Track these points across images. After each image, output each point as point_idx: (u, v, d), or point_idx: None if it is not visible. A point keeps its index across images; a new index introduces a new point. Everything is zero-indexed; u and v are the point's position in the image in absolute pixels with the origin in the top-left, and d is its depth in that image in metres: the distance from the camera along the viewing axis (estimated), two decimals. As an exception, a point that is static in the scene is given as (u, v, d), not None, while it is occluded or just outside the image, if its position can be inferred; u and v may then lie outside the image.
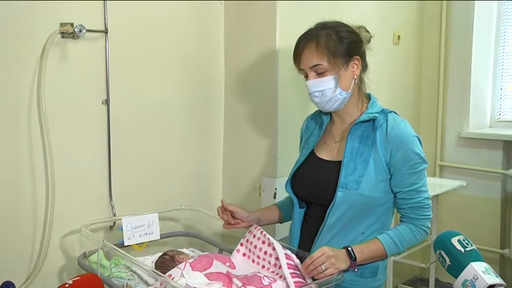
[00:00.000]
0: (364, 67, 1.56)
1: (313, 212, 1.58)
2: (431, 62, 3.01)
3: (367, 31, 1.57)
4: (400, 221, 1.53)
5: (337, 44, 1.48)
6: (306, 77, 1.52)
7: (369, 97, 1.58)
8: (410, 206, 1.49)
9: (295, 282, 1.38)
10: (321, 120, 1.63)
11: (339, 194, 1.47)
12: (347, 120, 1.56)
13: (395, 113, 1.55)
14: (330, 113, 1.60)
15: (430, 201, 1.51)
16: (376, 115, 1.51)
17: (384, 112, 1.53)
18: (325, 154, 1.58)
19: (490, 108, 3.00)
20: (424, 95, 3.07)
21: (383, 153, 1.48)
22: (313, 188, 1.56)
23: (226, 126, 2.29)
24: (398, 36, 2.77)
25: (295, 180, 1.61)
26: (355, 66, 1.51)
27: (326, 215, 1.49)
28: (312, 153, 1.61)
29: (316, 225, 1.53)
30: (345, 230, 1.49)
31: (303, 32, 1.54)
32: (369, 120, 1.52)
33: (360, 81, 1.55)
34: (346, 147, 1.51)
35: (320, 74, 1.49)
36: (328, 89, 1.48)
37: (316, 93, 1.50)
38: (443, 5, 2.93)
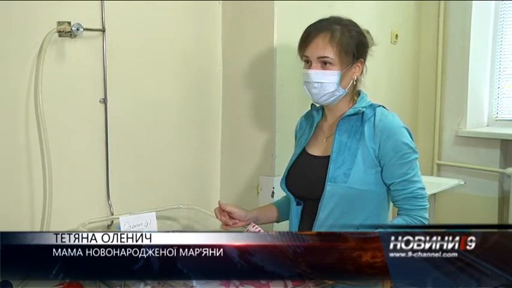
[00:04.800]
0: (364, 70, 1.57)
1: (308, 208, 1.58)
2: (429, 61, 3.01)
3: (372, 37, 1.58)
4: (398, 214, 1.53)
5: (351, 42, 1.49)
6: (307, 63, 1.52)
7: (358, 93, 1.59)
8: (404, 196, 1.49)
9: (292, 281, 1.39)
10: (312, 118, 1.64)
11: (328, 187, 1.48)
12: (337, 115, 1.57)
13: (383, 107, 1.55)
14: (322, 109, 1.62)
15: (425, 192, 1.50)
16: (364, 109, 1.52)
17: (372, 106, 1.54)
18: (315, 150, 1.60)
19: (487, 107, 3.00)
20: (421, 94, 3.07)
21: (371, 146, 1.48)
22: (305, 184, 1.56)
23: (224, 125, 2.29)
24: (396, 35, 2.77)
25: (289, 178, 1.62)
26: (357, 69, 1.53)
27: (317, 209, 1.50)
28: (304, 151, 1.62)
29: (311, 222, 1.54)
30: (338, 225, 1.49)
31: (314, 22, 1.53)
32: (356, 114, 1.52)
33: (357, 82, 1.56)
34: (335, 142, 1.52)
35: (325, 66, 1.49)
36: (329, 83, 1.49)
37: (316, 84, 1.50)
38: (441, 4, 2.93)
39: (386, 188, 1.52)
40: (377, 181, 1.50)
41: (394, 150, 1.47)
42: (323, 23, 1.52)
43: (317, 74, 1.49)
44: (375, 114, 1.51)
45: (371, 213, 1.51)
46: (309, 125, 1.66)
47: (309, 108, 1.69)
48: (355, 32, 1.52)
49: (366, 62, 1.57)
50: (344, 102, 1.56)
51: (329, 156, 1.52)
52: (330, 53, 1.48)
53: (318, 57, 1.49)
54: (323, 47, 1.48)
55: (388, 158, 1.47)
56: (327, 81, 1.49)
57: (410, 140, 1.49)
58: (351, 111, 1.53)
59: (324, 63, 1.49)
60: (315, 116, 1.63)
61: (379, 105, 1.54)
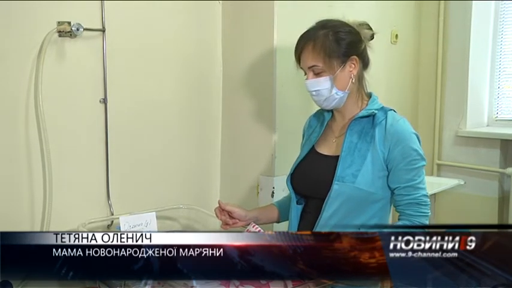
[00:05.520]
0: (365, 65, 1.57)
1: (310, 207, 1.59)
2: (429, 61, 3.01)
3: (370, 28, 1.58)
4: (398, 219, 1.54)
5: (334, 45, 1.50)
6: (305, 74, 1.55)
7: (369, 95, 1.60)
8: (407, 202, 1.49)
9: (292, 281, 1.39)
10: (323, 117, 1.65)
11: (335, 186, 1.48)
12: (347, 116, 1.59)
13: (394, 111, 1.56)
14: (331, 110, 1.62)
15: (428, 199, 1.51)
16: (376, 111, 1.53)
17: (384, 110, 1.55)
18: (324, 149, 1.60)
19: (487, 107, 3.00)
20: (421, 94, 3.07)
21: (381, 150, 1.48)
22: (312, 182, 1.57)
23: (224, 125, 2.29)
24: (396, 35, 2.78)
25: (295, 176, 1.63)
26: (353, 66, 1.53)
27: (322, 208, 1.50)
28: (313, 149, 1.63)
29: (312, 221, 1.54)
30: (341, 225, 1.50)
31: (304, 30, 1.55)
32: (368, 116, 1.53)
33: (360, 79, 1.56)
34: (345, 142, 1.52)
35: (317, 74, 1.51)
36: (324, 89, 1.51)
37: (314, 92, 1.53)
38: (441, 4, 2.93)
39: (390, 193, 1.52)
40: (384, 185, 1.50)
41: (403, 156, 1.47)
42: (310, 32, 1.54)
43: (311, 83, 1.53)
44: (386, 118, 1.52)
45: (374, 215, 1.51)
46: (319, 124, 1.67)
47: (312, 107, 1.69)
48: (343, 32, 1.52)
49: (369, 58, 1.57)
50: (351, 103, 1.56)
51: (338, 155, 1.52)
52: (316, 61, 1.51)
53: (309, 68, 1.53)
54: (308, 57, 1.52)
55: (396, 162, 1.48)
56: (322, 87, 1.52)
57: (419, 146, 1.50)
58: (364, 113, 1.53)
59: (315, 72, 1.52)
60: (326, 114, 1.64)
61: (390, 109, 1.56)
